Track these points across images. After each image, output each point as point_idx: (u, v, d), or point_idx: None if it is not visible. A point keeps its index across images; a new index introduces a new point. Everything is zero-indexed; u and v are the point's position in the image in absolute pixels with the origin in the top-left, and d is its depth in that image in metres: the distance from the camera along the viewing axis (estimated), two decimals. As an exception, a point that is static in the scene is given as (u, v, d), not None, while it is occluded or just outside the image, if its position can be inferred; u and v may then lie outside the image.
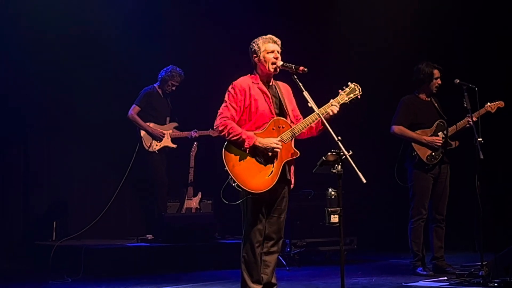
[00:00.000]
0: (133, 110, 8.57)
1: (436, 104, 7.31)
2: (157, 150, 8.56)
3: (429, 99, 7.31)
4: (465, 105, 6.85)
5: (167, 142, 8.65)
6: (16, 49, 8.67)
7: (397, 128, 7.21)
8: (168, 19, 9.51)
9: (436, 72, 7.25)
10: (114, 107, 8.90)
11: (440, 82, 7.25)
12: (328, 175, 4.95)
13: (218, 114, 5.38)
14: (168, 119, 8.79)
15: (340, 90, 5.42)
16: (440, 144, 7.10)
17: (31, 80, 8.85)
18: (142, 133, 8.55)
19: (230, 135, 5.26)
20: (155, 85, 8.74)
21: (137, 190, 9.17)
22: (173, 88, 8.67)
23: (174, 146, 8.70)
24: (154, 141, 8.55)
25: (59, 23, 8.77)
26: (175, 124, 8.79)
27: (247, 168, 5.25)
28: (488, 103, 7.16)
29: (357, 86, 5.43)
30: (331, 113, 5.29)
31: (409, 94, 7.37)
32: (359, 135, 9.45)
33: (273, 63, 5.42)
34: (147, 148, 8.52)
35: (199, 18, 9.69)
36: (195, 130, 8.75)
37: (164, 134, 8.60)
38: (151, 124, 8.59)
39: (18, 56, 8.70)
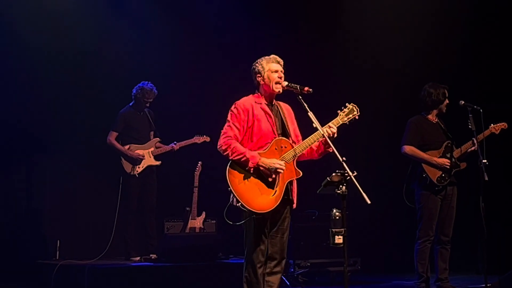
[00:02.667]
0: (110, 136, 8.50)
1: (442, 125, 7.29)
2: (138, 174, 8.47)
3: (436, 120, 7.28)
4: (469, 126, 6.84)
5: (149, 161, 8.57)
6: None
7: (408, 148, 7.13)
8: (158, 35, 9.48)
9: (446, 92, 7.23)
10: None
11: (448, 101, 7.23)
12: (333, 196, 4.95)
13: (222, 134, 5.39)
14: (152, 133, 8.73)
15: (339, 111, 5.44)
16: (448, 166, 7.07)
17: (27, 102, 8.86)
18: (122, 158, 8.51)
19: (234, 154, 5.25)
20: (130, 104, 8.67)
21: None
22: (147, 104, 8.60)
23: (158, 163, 8.61)
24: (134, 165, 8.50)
25: (48, 42, 8.79)
26: (157, 139, 8.72)
27: (250, 188, 5.24)
28: (492, 125, 7.13)
29: (355, 107, 5.46)
30: (330, 134, 5.28)
31: (416, 115, 7.34)
32: (364, 156, 9.43)
33: (277, 83, 5.44)
34: (128, 172, 8.47)
35: (192, 34, 9.66)
36: (175, 142, 8.68)
37: (143, 155, 8.52)
38: (132, 146, 8.51)
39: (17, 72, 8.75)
